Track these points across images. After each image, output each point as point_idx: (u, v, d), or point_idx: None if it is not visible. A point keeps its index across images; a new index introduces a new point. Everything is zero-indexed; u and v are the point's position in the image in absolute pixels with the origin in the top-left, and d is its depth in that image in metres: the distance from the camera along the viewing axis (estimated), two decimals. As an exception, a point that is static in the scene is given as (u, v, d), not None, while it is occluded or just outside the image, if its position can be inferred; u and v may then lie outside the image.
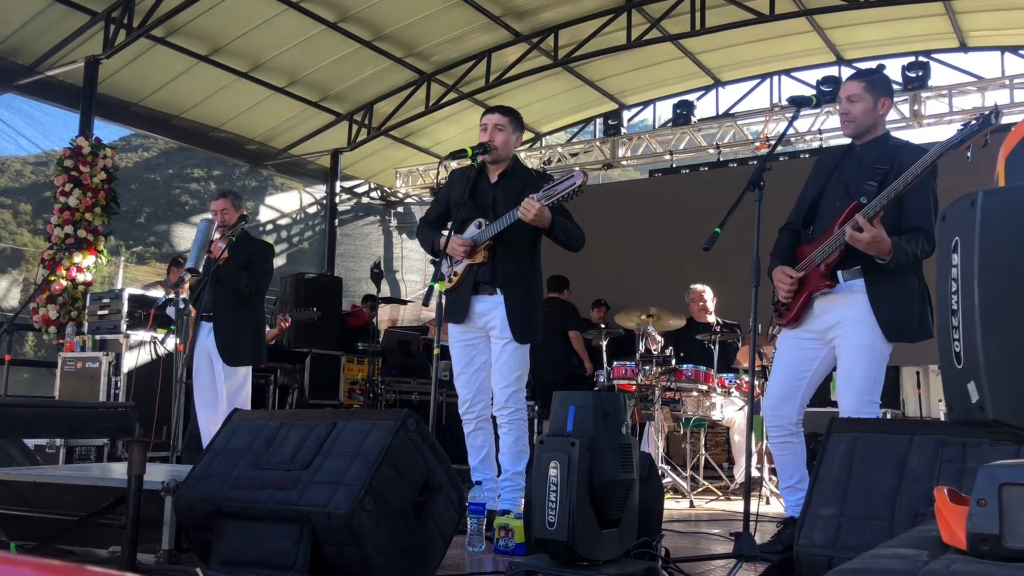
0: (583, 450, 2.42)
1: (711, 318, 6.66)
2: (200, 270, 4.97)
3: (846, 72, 10.36)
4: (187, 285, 5.29)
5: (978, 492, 1.13)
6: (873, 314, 3.28)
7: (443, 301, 4.03)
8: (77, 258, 8.15)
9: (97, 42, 8.56)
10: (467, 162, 4.14)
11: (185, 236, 11.73)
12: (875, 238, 3.15)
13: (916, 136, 9.78)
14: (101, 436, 5.57)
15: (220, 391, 5.24)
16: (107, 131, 9.22)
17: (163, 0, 8.02)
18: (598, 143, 11.53)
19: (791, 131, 9.86)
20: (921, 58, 9.76)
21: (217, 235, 5.20)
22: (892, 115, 9.71)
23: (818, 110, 9.71)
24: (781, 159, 10.18)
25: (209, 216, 5.21)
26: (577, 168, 4.67)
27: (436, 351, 3.84)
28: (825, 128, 9.87)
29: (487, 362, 4.13)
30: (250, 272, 5.30)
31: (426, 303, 3.87)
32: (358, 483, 2.71)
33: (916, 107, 9.59)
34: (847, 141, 3.71)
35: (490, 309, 4.05)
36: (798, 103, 3.65)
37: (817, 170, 3.72)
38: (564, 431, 2.49)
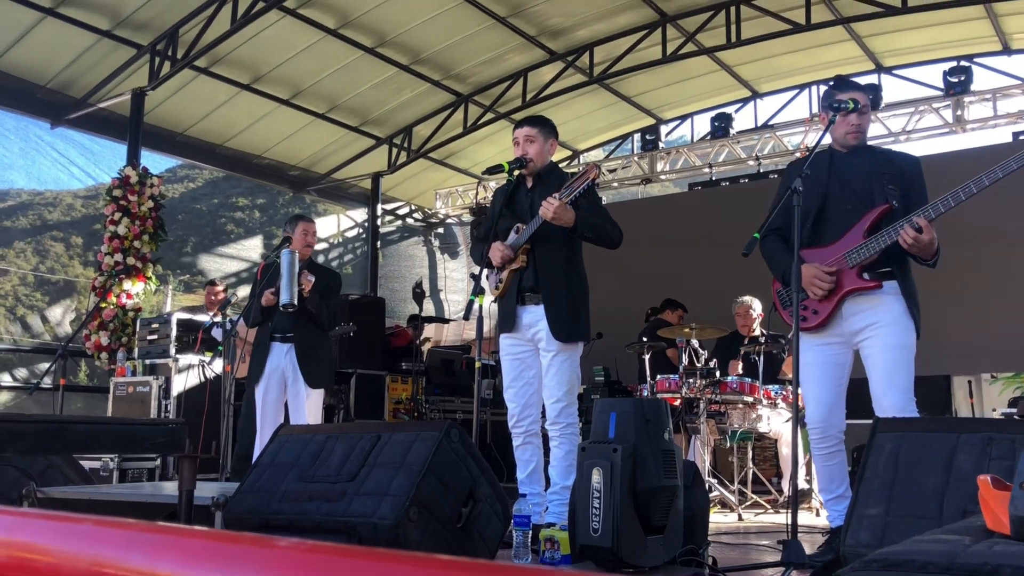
0: (625, 456, 2.43)
1: (757, 331, 6.60)
2: (296, 303, 5.06)
3: (886, 80, 10.25)
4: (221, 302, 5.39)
5: (1021, 476, 1.13)
6: (909, 314, 3.33)
7: (483, 315, 4.04)
8: (127, 285, 8.33)
9: (143, 74, 8.80)
10: (505, 177, 4.19)
11: (230, 264, 11.94)
12: (934, 240, 3.23)
13: (960, 141, 9.65)
14: (153, 452, 5.68)
15: (301, 411, 5.28)
16: (154, 161, 9.44)
17: (206, 31, 8.21)
18: (636, 158, 11.52)
19: (830, 140, 9.80)
20: (963, 62, 9.62)
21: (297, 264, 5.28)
22: (935, 120, 9.59)
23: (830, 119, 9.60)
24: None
25: (289, 248, 5.28)
26: (590, 164, 4.66)
27: (478, 365, 3.87)
28: (872, 136, 9.73)
29: (536, 375, 4.13)
30: (327, 302, 5.43)
31: (466, 317, 3.90)
32: (403, 494, 2.74)
33: (959, 112, 9.45)
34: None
35: (536, 320, 4.05)
36: (835, 108, 3.64)
37: (809, 177, 3.60)
38: (606, 438, 2.49)
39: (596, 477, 2.40)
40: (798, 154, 10.31)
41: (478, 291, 3.93)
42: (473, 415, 3.97)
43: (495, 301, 4.17)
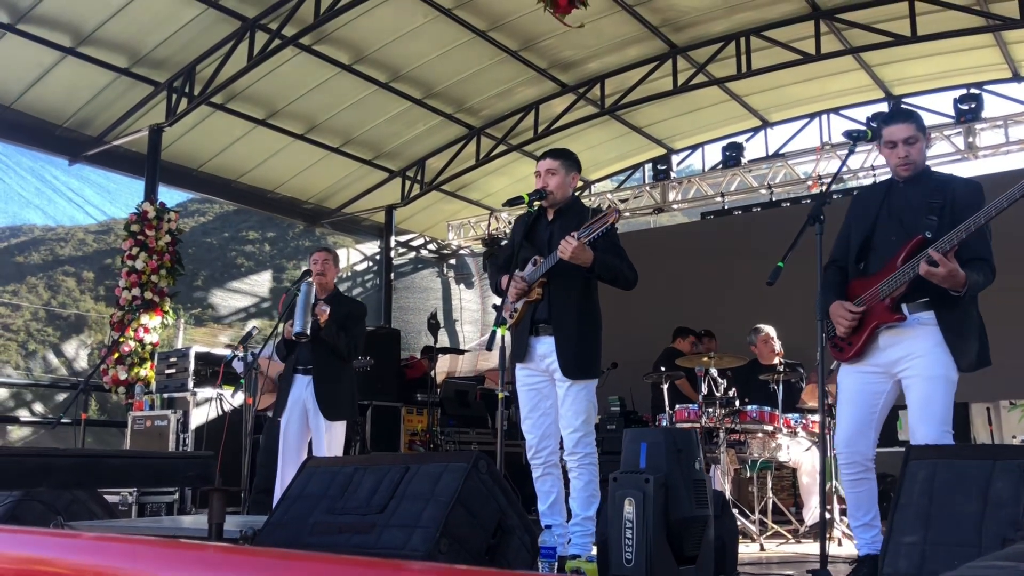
0: (657, 486, 2.43)
1: (777, 359, 6.58)
2: (308, 333, 5.08)
3: (896, 108, 10.30)
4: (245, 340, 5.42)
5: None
6: (946, 345, 3.29)
7: (506, 345, 4.05)
8: (144, 319, 8.37)
9: (160, 111, 8.91)
10: (524, 209, 4.22)
11: (241, 299, 11.98)
12: (951, 272, 3.19)
13: (973, 168, 9.67)
14: (183, 485, 5.69)
15: (320, 444, 5.23)
16: (169, 196, 9.53)
17: (222, 68, 8.33)
18: (648, 188, 11.57)
19: (843, 168, 9.86)
20: (973, 90, 9.66)
21: (315, 295, 5.31)
22: (946, 148, 9.62)
23: (870, 145, 9.64)
24: (835, 196, 10.09)
25: (309, 279, 5.32)
26: (611, 206, 4.67)
27: (501, 395, 3.87)
28: (878, 164, 9.75)
29: (553, 405, 4.13)
30: (348, 333, 5.38)
31: (489, 347, 3.91)
32: (433, 525, 2.75)
33: (971, 139, 9.47)
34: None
35: (550, 351, 4.06)
36: (854, 137, 3.67)
37: (861, 207, 3.71)
38: (637, 468, 2.50)
39: (628, 508, 2.41)
40: (810, 183, 10.35)
41: (500, 322, 3.94)
42: (497, 446, 3.97)
43: (508, 328, 4.18)
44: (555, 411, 4.15)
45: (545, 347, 4.11)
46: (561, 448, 4.17)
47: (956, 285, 3.23)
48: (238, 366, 6.41)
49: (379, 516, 2.91)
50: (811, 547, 5.55)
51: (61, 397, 9.72)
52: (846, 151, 3.87)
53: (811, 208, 3.45)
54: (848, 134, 3.69)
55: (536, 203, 4.18)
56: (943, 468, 2.15)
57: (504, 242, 12.30)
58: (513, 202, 4.20)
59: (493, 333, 3.88)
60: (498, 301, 4.26)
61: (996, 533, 1.95)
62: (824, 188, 3.77)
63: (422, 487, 2.93)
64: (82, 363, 11.38)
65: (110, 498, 6.37)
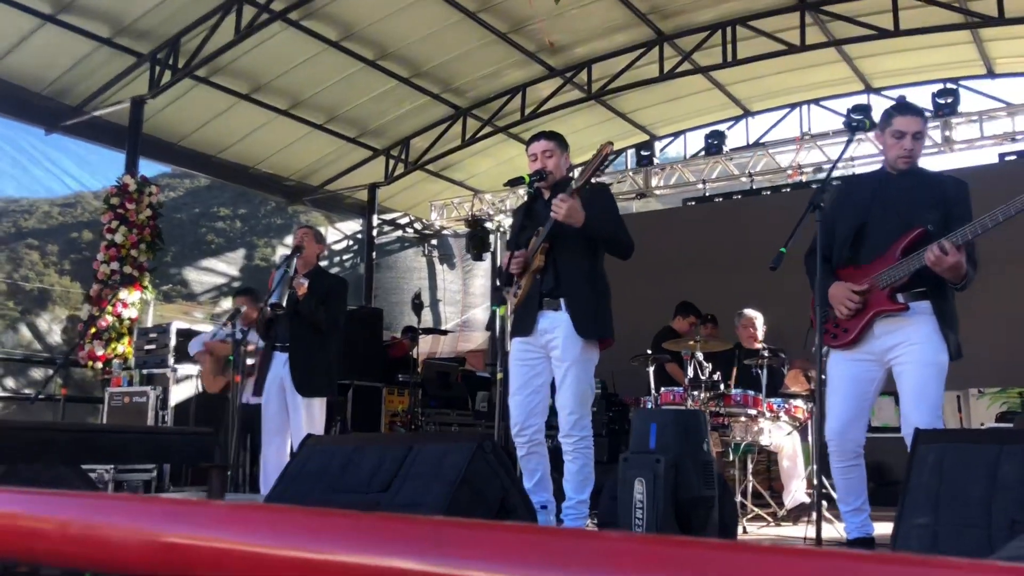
0: (668, 466, 2.46)
1: (759, 344, 6.66)
2: (283, 305, 5.06)
3: (875, 100, 10.38)
4: (248, 315, 5.39)
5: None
6: (941, 333, 3.39)
7: (506, 325, 4.04)
8: (123, 294, 8.27)
9: (142, 83, 8.77)
10: (507, 191, 4.24)
11: (212, 274, 11.84)
12: (958, 263, 3.28)
13: (949, 161, 9.81)
14: (182, 462, 5.64)
15: (297, 422, 5.18)
16: (146, 169, 9.35)
17: (208, 41, 8.22)
18: (631, 174, 11.61)
19: (822, 158, 9.97)
20: (949, 85, 9.79)
21: (295, 270, 5.29)
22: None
23: (848, 137, 9.71)
24: (813, 187, 10.19)
25: (294, 255, 5.30)
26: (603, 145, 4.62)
27: (500, 375, 3.89)
28: (856, 155, 9.84)
29: (544, 384, 4.13)
30: (327, 307, 5.31)
31: (489, 328, 3.93)
32: (439, 504, 2.76)
33: (947, 133, 9.61)
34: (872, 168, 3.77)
35: (554, 327, 4.04)
36: (854, 127, 3.73)
37: (850, 197, 3.76)
38: (647, 448, 2.53)
39: (639, 487, 2.44)
40: (789, 172, 10.43)
41: (498, 301, 3.95)
42: (495, 427, 3.98)
43: (515, 309, 4.17)
44: (545, 390, 4.15)
45: (548, 322, 4.08)
46: (554, 428, 4.18)
47: (957, 277, 3.33)
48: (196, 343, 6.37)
49: (382, 495, 2.92)
50: (791, 530, 5.65)
51: (33, 371, 9.54)
52: (828, 141, 3.94)
53: (812, 195, 3.50)
54: (848, 123, 3.75)
55: (536, 184, 4.20)
56: (951, 452, 2.20)
57: (487, 223, 12.31)
58: (515, 182, 4.23)
59: (493, 313, 3.89)
60: (479, 282, 4.27)
61: (1006, 515, 2.00)
62: (827, 174, 3.80)
63: (426, 466, 2.94)
64: (55, 338, 11.22)
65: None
